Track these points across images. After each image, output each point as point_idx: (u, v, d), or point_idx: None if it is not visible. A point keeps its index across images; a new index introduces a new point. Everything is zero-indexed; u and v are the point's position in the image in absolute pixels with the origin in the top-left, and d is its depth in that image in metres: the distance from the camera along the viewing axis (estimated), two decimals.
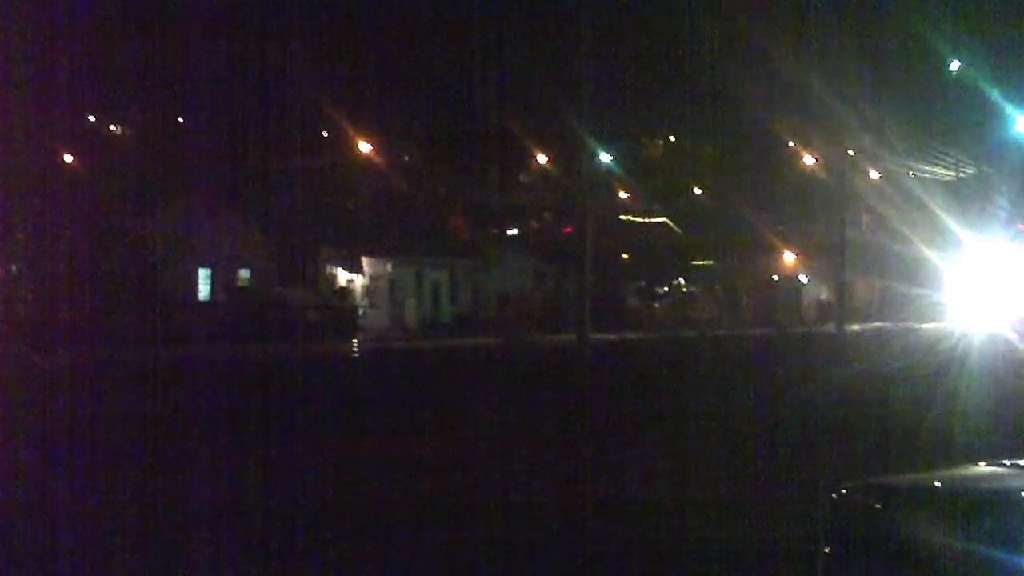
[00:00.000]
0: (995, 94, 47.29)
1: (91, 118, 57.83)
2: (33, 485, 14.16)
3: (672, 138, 72.69)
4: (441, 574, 11.31)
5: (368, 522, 12.84)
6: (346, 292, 54.91)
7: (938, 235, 45.81)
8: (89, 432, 17.66)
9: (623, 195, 66.20)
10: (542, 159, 62.53)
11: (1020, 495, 6.24)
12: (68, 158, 55.29)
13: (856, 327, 47.98)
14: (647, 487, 14.71)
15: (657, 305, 62.20)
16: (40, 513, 12.87)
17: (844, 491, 6.49)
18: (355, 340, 45.75)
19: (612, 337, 39.52)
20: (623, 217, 64.40)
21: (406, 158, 60.20)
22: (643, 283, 62.53)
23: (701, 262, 65.68)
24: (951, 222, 45.03)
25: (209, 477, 15.14)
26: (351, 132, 55.44)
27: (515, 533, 12.14)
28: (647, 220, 64.86)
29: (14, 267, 51.98)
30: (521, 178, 65.39)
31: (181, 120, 57.48)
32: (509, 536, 12.07)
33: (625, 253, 61.03)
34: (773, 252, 62.64)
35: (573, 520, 12.67)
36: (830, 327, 45.57)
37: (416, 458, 17.05)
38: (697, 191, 69.82)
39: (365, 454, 17.34)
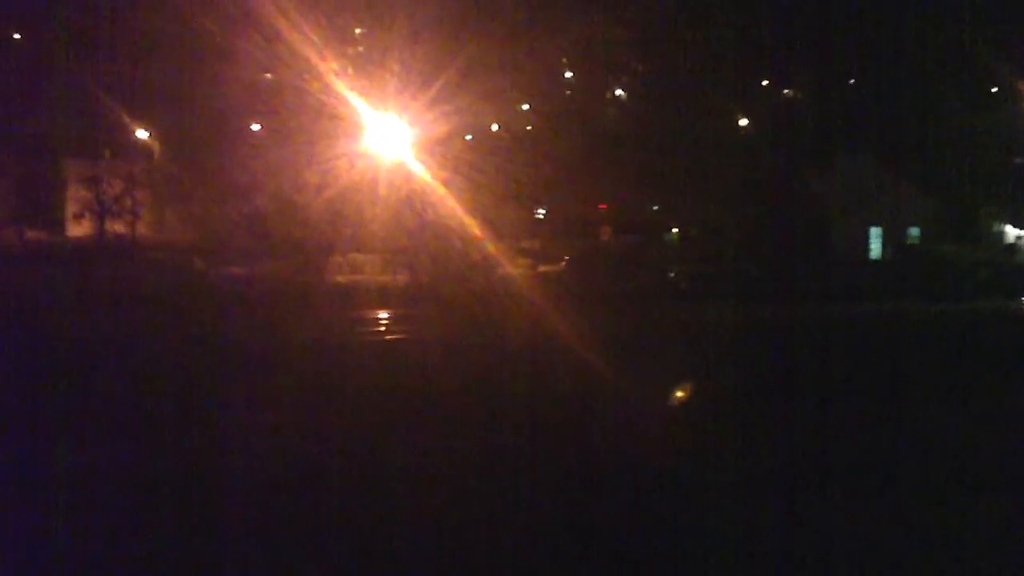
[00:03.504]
0: None
1: (766, 82, 61.78)
2: None
3: None
4: None
5: None
6: (1015, 249, 54.36)
7: None
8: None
9: None
10: None
11: None
12: (744, 122, 59.70)
13: None
14: None
15: None
16: None
17: None
18: None
19: None
20: None
21: None
22: None
23: None
24: None
25: None
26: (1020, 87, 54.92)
27: None
28: None
29: (676, 231, 57.28)
30: None
31: (852, 81, 59.82)
32: None
33: None
34: None
35: None
36: None
37: None
38: None
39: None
